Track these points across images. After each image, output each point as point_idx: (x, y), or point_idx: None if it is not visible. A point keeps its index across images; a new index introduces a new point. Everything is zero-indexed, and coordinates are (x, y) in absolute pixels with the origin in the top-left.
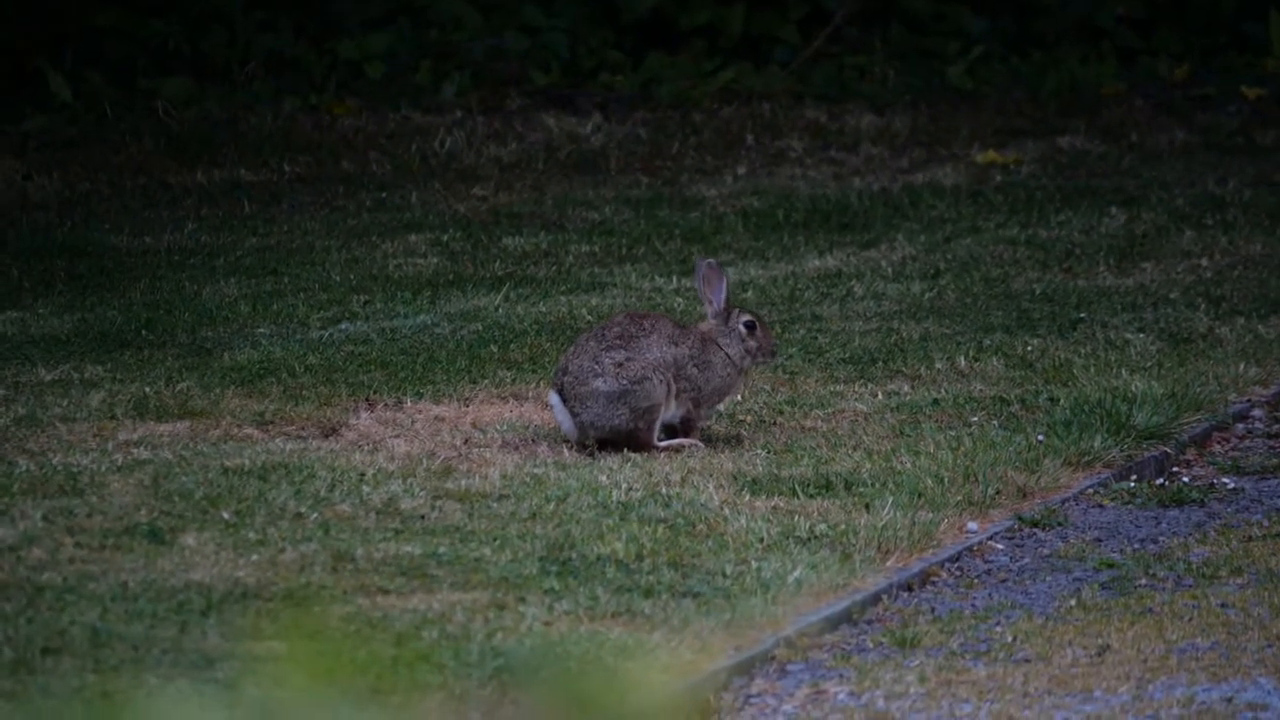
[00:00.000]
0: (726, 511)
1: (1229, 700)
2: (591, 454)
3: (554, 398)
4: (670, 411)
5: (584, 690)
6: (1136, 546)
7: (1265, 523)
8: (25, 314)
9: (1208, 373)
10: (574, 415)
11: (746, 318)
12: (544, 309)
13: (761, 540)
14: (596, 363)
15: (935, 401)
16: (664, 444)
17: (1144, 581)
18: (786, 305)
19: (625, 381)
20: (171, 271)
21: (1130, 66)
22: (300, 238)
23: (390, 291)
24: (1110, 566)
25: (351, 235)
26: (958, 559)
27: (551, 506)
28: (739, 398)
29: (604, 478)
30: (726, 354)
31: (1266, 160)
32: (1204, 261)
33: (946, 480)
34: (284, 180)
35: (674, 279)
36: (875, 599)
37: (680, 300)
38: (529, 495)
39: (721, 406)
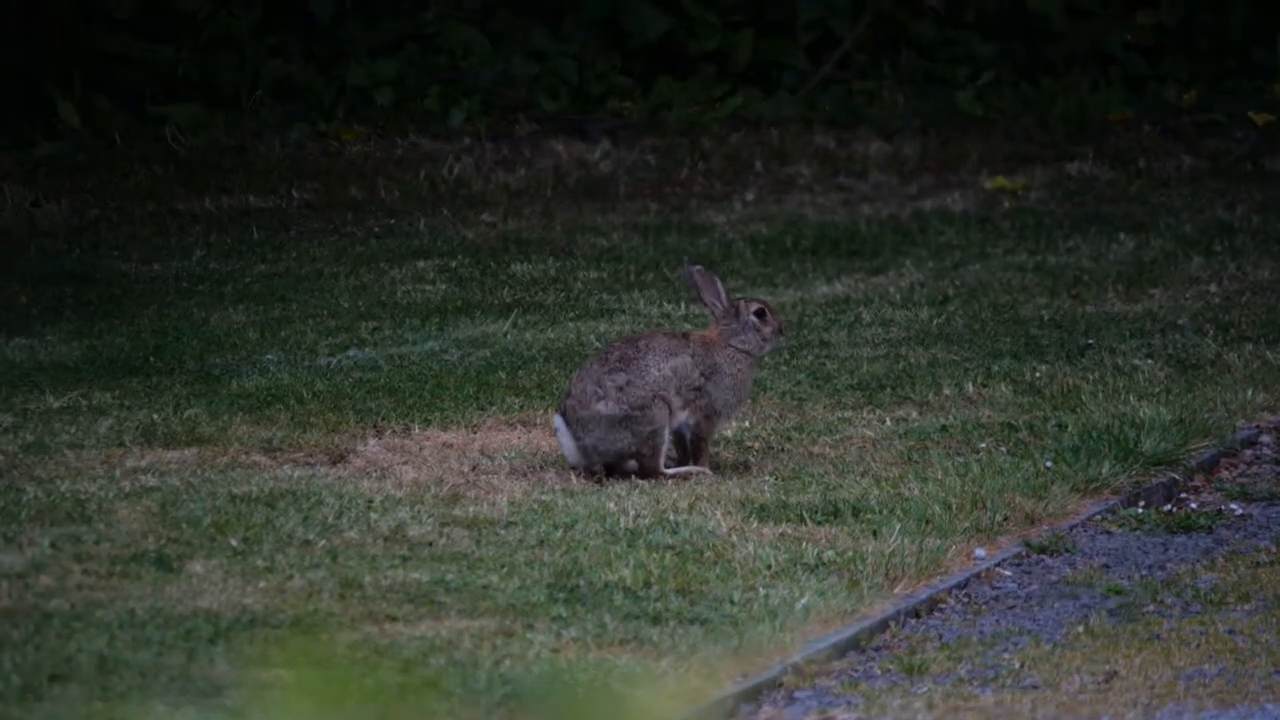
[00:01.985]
0: (734, 538)
1: None
2: (600, 481)
3: (558, 421)
4: (677, 421)
5: (591, 717)
6: (1144, 573)
7: (1273, 549)
8: (34, 341)
9: (1215, 399)
10: (577, 439)
11: (755, 306)
12: (552, 335)
13: (769, 567)
14: (599, 386)
15: (943, 428)
16: (671, 471)
17: (1151, 608)
18: (795, 331)
19: (627, 406)
20: (180, 298)
21: (1138, 93)
22: (309, 264)
23: (398, 318)
24: (1118, 593)
25: (360, 262)
26: (965, 585)
27: (559, 533)
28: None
29: (612, 504)
30: (741, 350)
31: (1275, 186)
32: (1212, 288)
33: (954, 507)
34: (292, 207)
35: (682, 305)
36: (883, 626)
37: (689, 326)
38: (537, 522)
39: (731, 423)
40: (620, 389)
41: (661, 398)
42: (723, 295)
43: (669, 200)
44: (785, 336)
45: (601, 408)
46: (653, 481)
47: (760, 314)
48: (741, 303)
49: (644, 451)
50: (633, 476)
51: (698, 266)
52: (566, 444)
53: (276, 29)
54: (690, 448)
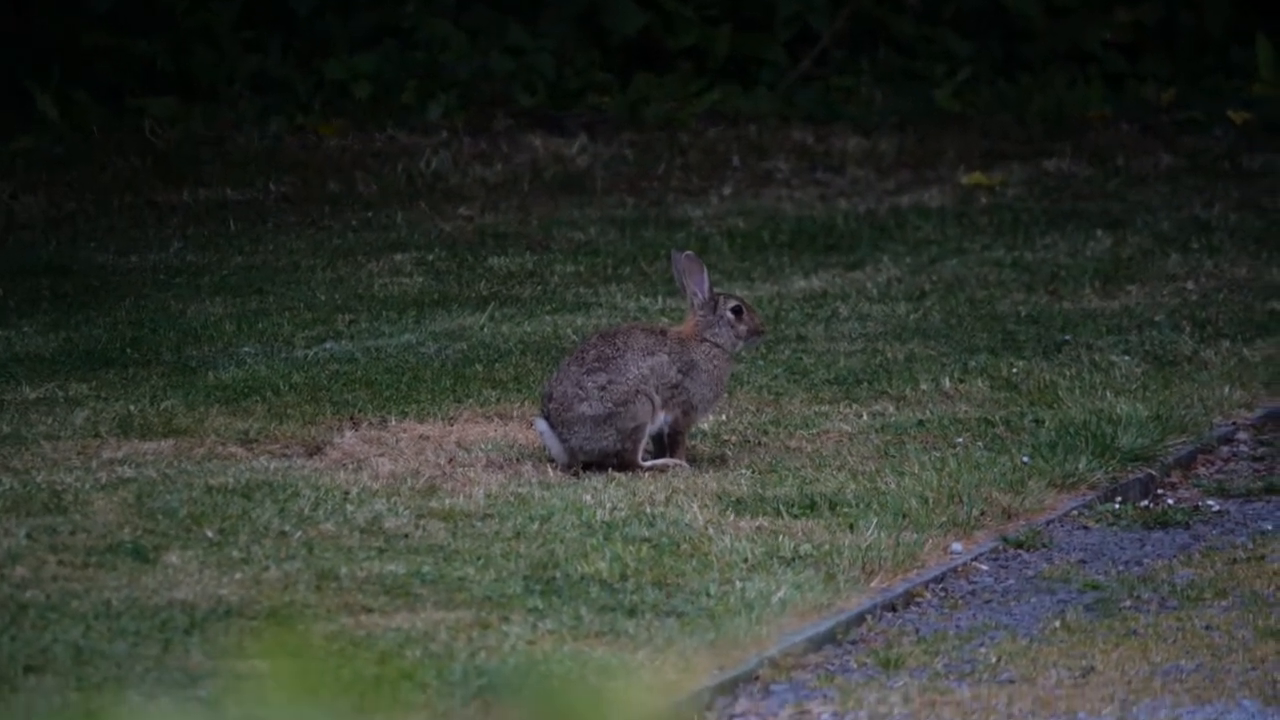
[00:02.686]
0: (711, 531)
1: None
2: (576, 474)
3: (541, 424)
4: (657, 422)
5: (567, 709)
6: (1121, 568)
7: (1249, 545)
8: (10, 332)
9: (1193, 395)
10: (562, 440)
11: (732, 303)
12: (529, 329)
13: (746, 560)
14: (580, 387)
15: (920, 422)
16: (648, 464)
17: (1128, 603)
18: (772, 326)
19: (610, 404)
20: (157, 290)
21: (1117, 90)
22: (286, 257)
23: (375, 311)
24: (1095, 588)
25: (337, 254)
26: (942, 580)
27: (536, 526)
28: (722, 411)
29: (588, 497)
30: (715, 345)
31: (1252, 184)
32: (1189, 285)
33: (931, 501)
34: (270, 199)
35: (659, 299)
36: (859, 619)
37: (666, 320)
38: (513, 514)
39: (709, 417)
40: (602, 389)
41: (643, 393)
42: (705, 286)
43: (646, 195)
44: (760, 336)
45: (585, 409)
46: (630, 474)
47: (737, 311)
48: (720, 298)
49: (626, 446)
50: (610, 470)
51: (688, 253)
52: (553, 446)
53: (255, 23)
54: (667, 442)
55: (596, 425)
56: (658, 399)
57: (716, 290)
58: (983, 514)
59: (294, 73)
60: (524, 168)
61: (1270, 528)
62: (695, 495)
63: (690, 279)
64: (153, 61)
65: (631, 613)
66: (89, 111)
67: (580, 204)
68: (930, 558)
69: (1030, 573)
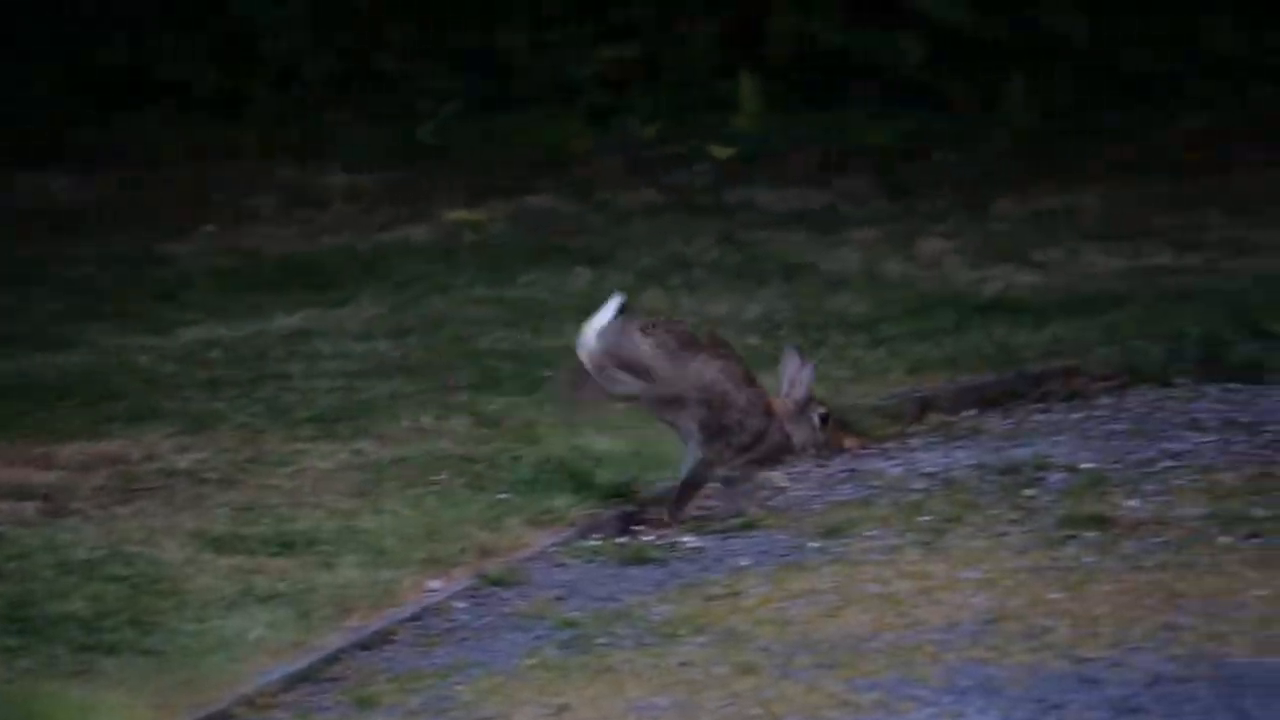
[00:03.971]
0: (188, 570)
1: None
2: (55, 513)
3: (618, 300)
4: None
5: None
6: (597, 605)
7: (725, 581)
8: None
9: (671, 432)
10: (608, 331)
11: (823, 410)
12: (10, 366)
13: (222, 599)
14: (666, 334)
15: (400, 460)
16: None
17: (604, 640)
18: (254, 363)
19: (661, 369)
20: None
21: (602, 125)
22: None
23: None
24: (571, 625)
25: None
26: (419, 617)
27: (13, 565)
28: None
29: (66, 535)
30: (783, 432)
31: (732, 219)
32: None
33: (409, 539)
34: None
35: (143, 336)
36: (335, 657)
37: (144, 358)
38: None
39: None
40: (671, 352)
41: (689, 396)
42: (805, 390)
43: (131, 231)
44: (829, 452)
45: (644, 347)
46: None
47: (824, 418)
48: (815, 401)
49: (612, 397)
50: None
51: (810, 364)
52: (601, 320)
53: None
54: (681, 480)
55: (630, 366)
56: (696, 410)
57: (819, 404)
58: (461, 551)
59: None
60: (9, 205)
61: (745, 563)
62: (173, 534)
63: (793, 375)
64: None
65: (109, 651)
66: None
67: (67, 242)
68: (408, 595)
69: (507, 610)
